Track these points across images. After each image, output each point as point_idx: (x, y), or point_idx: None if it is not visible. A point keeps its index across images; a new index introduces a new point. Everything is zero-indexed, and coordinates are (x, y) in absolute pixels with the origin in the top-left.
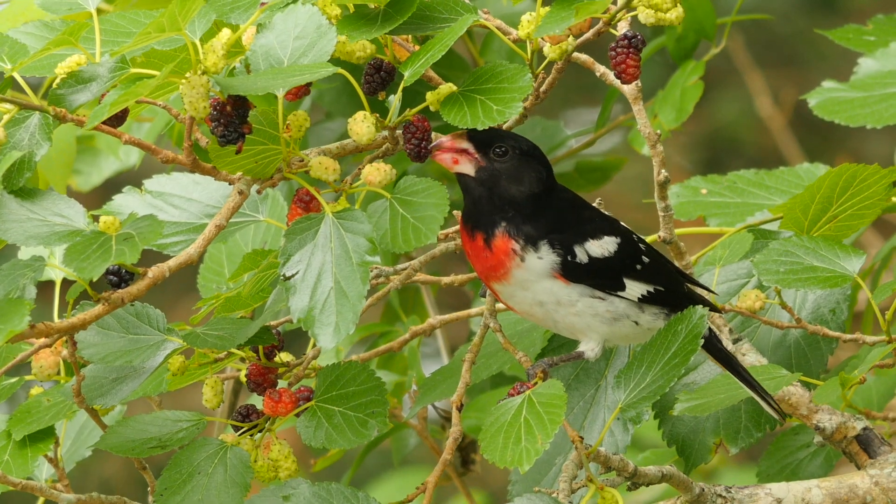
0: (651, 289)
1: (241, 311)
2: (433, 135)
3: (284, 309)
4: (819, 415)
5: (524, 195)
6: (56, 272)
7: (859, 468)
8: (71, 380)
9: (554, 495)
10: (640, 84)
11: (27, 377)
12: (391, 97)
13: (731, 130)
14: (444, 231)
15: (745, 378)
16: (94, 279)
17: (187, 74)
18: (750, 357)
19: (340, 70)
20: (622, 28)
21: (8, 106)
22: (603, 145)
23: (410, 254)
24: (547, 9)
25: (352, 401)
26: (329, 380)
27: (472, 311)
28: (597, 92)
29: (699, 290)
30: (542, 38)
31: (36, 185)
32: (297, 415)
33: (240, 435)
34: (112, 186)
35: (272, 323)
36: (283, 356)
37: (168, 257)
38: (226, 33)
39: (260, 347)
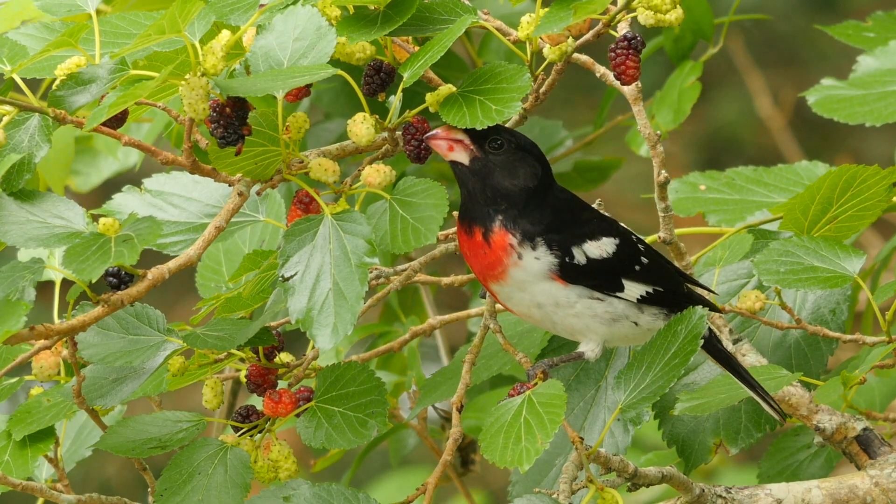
0: (650, 289)
1: (241, 312)
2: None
3: (284, 310)
4: (819, 415)
5: (518, 188)
6: (56, 273)
7: (859, 469)
8: (71, 380)
9: (554, 496)
10: (639, 85)
11: (27, 377)
12: (391, 98)
13: (730, 130)
14: (444, 232)
15: (744, 378)
16: (93, 281)
17: (187, 76)
18: (750, 357)
19: (340, 71)
20: (622, 29)
21: (8, 108)
22: (602, 145)
23: (410, 254)
24: (546, 9)
25: (352, 401)
26: (329, 380)
27: (472, 311)
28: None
29: (700, 291)
30: (542, 39)
31: (35, 186)
32: (298, 415)
33: (240, 435)
34: (111, 187)
35: (272, 324)
36: (283, 357)
37: (168, 257)
38: (225, 35)
39: (260, 348)
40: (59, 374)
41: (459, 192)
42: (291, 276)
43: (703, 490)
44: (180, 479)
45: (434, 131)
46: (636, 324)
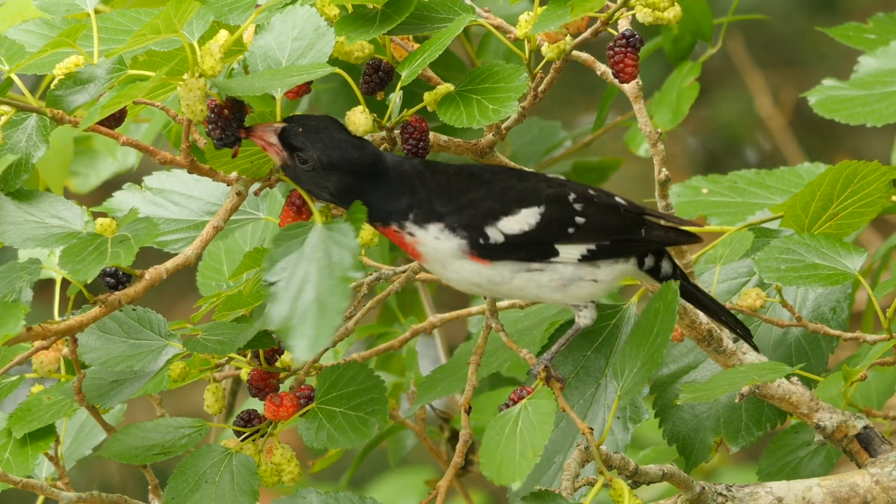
0: (592, 246)
1: (241, 310)
2: (431, 135)
3: None
4: (819, 413)
5: (330, 195)
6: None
7: (860, 467)
8: (72, 378)
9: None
10: (640, 82)
11: (27, 375)
12: (389, 97)
13: (730, 130)
14: None
15: (713, 311)
16: (89, 282)
17: (184, 77)
18: (750, 355)
19: (338, 70)
20: (620, 27)
21: (5, 108)
22: (601, 146)
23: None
24: (544, 7)
25: (352, 400)
26: (329, 381)
27: (473, 309)
28: (595, 92)
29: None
30: (540, 38)
31: (34, 187)
32: (300, 416)
33: (242, 440)
34: (110, 188)
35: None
36: (285, 358)
37: (169, 256)
38: (223, 34)
39: (261, 352)
40: (59, 370)
41: None
42: (276, 282)
43: (704, 488)
44: (187, 488)
45: (255, 126)
46: (595, 280)
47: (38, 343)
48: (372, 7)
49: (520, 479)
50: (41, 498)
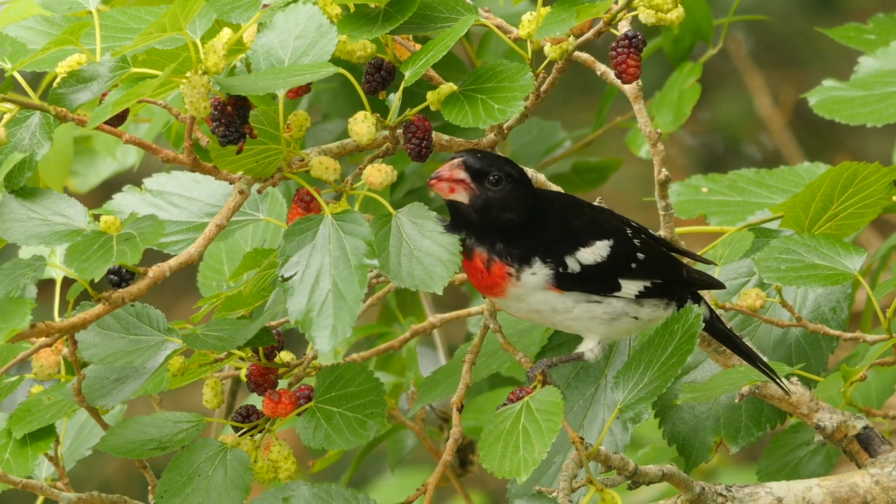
0: (648, 283)
1: (241, 310)
2: (434, 135)
3: (284, 310)
4: (819, 413)
5: (514, 222)
6: (57, 271)
7: (860, 467)
8: (72, 379)
9: (554, 495)
10: (640, 83)
11: (27, 376)
12: (391, 96)
13: (731, 130)
14: None
15: (747, 355)
16: (96, 280)
17: (188, 74)
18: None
19: (341, 70)
20: (622, 28)
21: (9, 105)
22: (601, 146)
23: None
24: (548, 9)
25: (351, 401)
26: (328, 381)
27: (472, 309)
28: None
29: (700, 265)
30: (543, 38)
31: (35, 186)
32: (297, 415)
33: (240, 436)
34: (110, 188)
35: (272, 323)
36: (284, 356)
37: (168, 256)
38: (226, 33)
39: (260, 348)
40: (59, 372)
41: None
42: (291, 277)
43: (704, 488)
44: (180, 481)
45: (437, 172)
46: (636, 318)
47: (40, 341)
48: (374, 6)
49: (525, 473)
50: (41, 498)
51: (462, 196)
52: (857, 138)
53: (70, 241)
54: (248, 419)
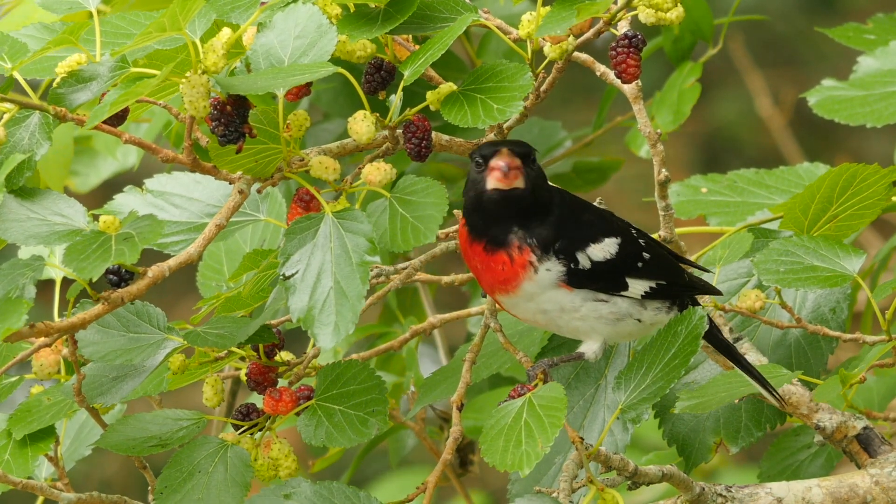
0: (654, 284)
1: (241, 311)
2: (434, 135)
3: (284, 308)
4: (819, 414)
5: (549, 201)
6: (57, 271)
7: (860, 468)
8: (71, 378)
9: (554, 495)
10: (640, 83)
11: (27, 376)
12: (391, 96)
13: (731, 130)
14: (444, 230)
15: (745, 368)
16: (94, 280)
17: (188, 74)
18: (750, 356)
19: (341, 70)
20: (622, 27)
21: (8, 105)
22: (601, 146)
23: (409, 254)
24: (547, 9)
25: (352, 399)
26: (329, 378)
27: (472, 310)
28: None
29: (701, 275)
30: (543, 38)
31: (35, 186)
32: (298, 413)
33: (240, 434)
34: (110, 188)
35: (272, 322)
36: (284, 355)
37: (168, 256)
38: (226, 33)
39: (260, 346)
40: (59, 372)
41: (471, 205)
42: (292, 275)
43: (704, 489)
44: (180, 478)
45: (503, 164)
46: (639, 320)
47: (40, 341)
48: (374, 6)
49: (528, 467)
50: (41, 499)
51: (521, 182)
52: (857, 138)
53: (69, 241)
54: (248, 417)
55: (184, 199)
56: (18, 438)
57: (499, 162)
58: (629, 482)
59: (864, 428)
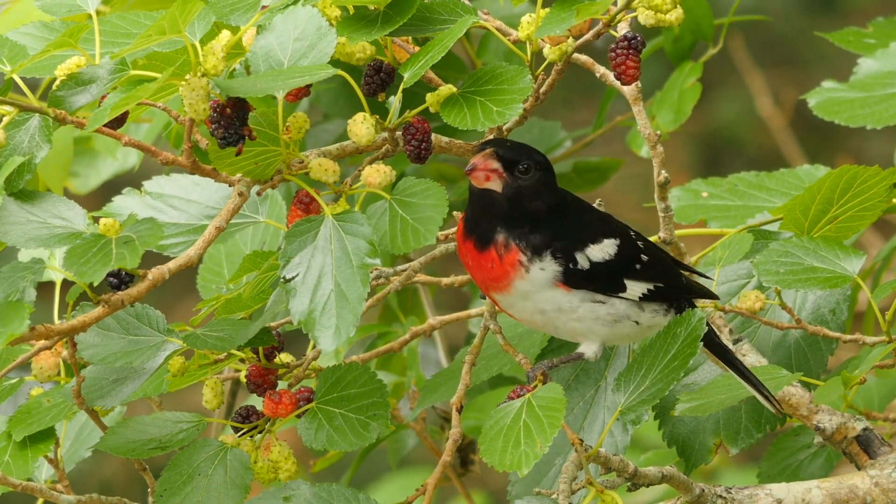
0: (651, 286)
1: (241, 313)
2: (433, 136)
3: (284, 310)
4: (819, 415)
5: (542, 210)
6: (57, 273)
7: (859, 469)
8: (71, 381)
9: (553, 496)
10: (639, 85)
11: (27, 378)
12: (391, 98)
13: (731, 130)
14: (444, 232)
15: (741, 372)
16: (95, 284)
17: (187, 76)
18: (750, 357)
19: (340, 72)
20: (622, 29)
21: (8, 108)
22: (602, 146)
23: (409, 255)
24: (547, 10)
25: (353, 403)
26: (330, 381)
27: (472, 311)
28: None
29: (696, 278)
30: (542, 40)
31: (34, 188)
32: (298, 416)
33: (240, 436)
34: (110, 189)
35: (272, 324)
36: (284, 357)
37: (168, 258)
38: (225, 35)
39: (260, 349)
40: (59, 374)
41: (467, 201)
42: (293, 278)
43: (704, 490)
44: (180, 480)
45: (472, 163)
46: (637, 322)
47: (39, 343)
48: (374, 8)
49: (526, 467)
50: (41, 501)
51: (496, 185)
52: (858, 138)
53: (69, 243)
54: (248, 419)
55: (182, 200)
56: (18, 440)
57: (474, 160)
58: (629, 483)
59: (864, 429)
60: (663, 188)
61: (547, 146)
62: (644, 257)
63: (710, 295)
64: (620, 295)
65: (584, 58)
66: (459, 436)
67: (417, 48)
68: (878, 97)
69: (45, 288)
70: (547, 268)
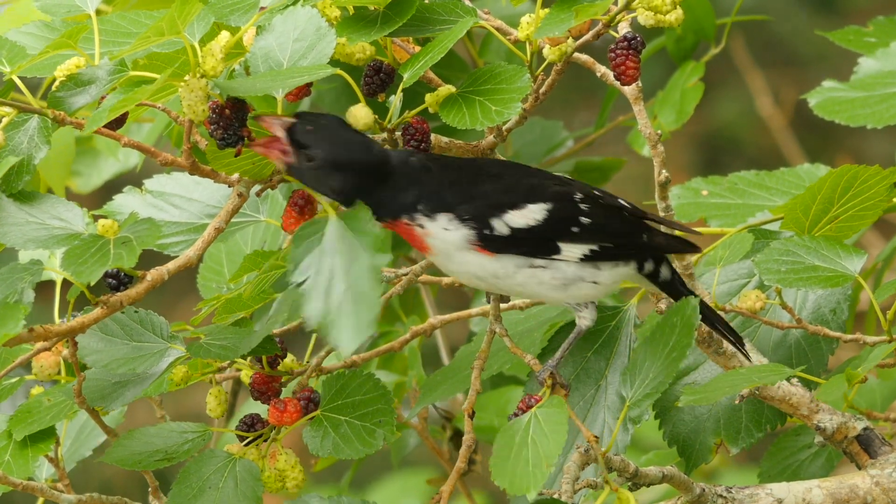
0: (595, 247)
1: (241, 313)
2: (433, 136)
3: (287, 318)
4: (819, 415)
5: (336, 192)
6: (57, 273)
7: (860, 468)
8: (72, 380)
9: (556, 496)
10: (640, 84)
11: (28, 377)
12: (391, 98)
13: (731, 130)
14: None
15: (712, 321)
16: (92, 284)
17: (186, 77)
18: (752, 356)
19: (339, 71)
20: (622, 29)
21: (7, 109)
22: (603, 146)
23: (410, 255)
24: (547, 10)
25: (358, 410)
26: (334, 388)
27: (473, 310)
28: (596, 93)
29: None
30: (542, 40)
31: (35, 188)
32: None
33: (245, 445)
34: (112, 188)
35: (274, 331)
36: (288, 362)
37: (168, 258)
38: (224, 36)
39: (263, 357)
40: (59, 373)
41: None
42: (304, 281)
43: (704, 490)
44: (191, 494)
45: (269, 119)
46: (595, 282)
47: (39, 344)
48: (373, 9)
49: (535, 489)
50: (41, 500)
51: (276, 154)
52: (857, 138)
53: (67, 244)
54: (252, 428)
55: (183, 199)
56: (19, 439)
57: (269, 119)
58: (630, 483)
59: (865, 429)
60: (664, 187)
61: (548, 146)
62: (585, 220)
63: (680, 248)
64: (555, 258)
65: (584, 57)
66: (473, 442)
67: (417, 48)
68: (879, 97)
69: (46, 287)
70: (453, 230)
